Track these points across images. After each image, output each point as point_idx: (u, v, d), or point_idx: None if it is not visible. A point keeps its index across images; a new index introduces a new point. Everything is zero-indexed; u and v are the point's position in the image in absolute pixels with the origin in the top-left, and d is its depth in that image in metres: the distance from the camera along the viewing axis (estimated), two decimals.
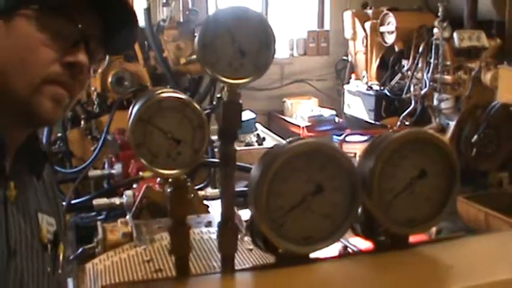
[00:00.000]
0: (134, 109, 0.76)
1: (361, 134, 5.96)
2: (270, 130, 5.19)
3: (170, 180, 0.79)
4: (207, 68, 0.76)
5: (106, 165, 3.01)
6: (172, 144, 0.75)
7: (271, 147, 0.85)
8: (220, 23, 0.76)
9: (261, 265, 0.90)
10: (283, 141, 0.85)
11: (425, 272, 0.87)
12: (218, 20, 0.76)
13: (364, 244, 1.49)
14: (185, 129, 0.76)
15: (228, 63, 0.76)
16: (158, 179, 2.14)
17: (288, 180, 0.82)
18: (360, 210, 0.90)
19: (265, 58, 0.78)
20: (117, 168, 2.72)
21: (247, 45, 0.77)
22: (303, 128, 6.22)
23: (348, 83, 6.84)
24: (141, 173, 2.37)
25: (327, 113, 6.50)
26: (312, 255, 0.88)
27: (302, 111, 6.58)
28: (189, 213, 0.83)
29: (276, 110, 6.92)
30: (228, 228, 0.84)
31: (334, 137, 6.03)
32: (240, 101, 0.79)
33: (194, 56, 2.70)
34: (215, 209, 2.12)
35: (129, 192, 2.15)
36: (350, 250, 1.99)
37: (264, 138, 4.69)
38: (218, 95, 0.82)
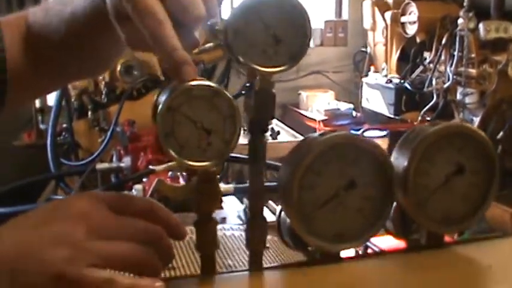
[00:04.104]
0: (162, 98, 0.76)
1: (380, 129, 5.95)
2: (284, 124, 5.18)
3: (199, 172, 0.80)
4: (239, 56, 0.76)
5: (114, 158, 3.01)
6: (202, 134, 0.75)
7: (303, 140, 0.86)
8: (252, 7, 0.76)
9: (290, 263, 0.91)
10: (315, 134, 0.85)
11: (465, 272, 0.87)
12: (249, 5, 0.76)
13: (386, 244, 1.49)
14: (215, 119, 0.76)
15: (261, 50, 0.76)
16: (170, 173, 2.15)
17: (321, 174, 0.82)
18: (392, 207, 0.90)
19: (301, 45, 0.78)
20: (126, 162, 2.72)
21: (281, 31, 0.77)
22: (319, 122, 6.21)
23: (367, 75, 6.82)
24: (151, 167, 2.37)
25: (344, 106, 6.49)
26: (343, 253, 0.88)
27: (318, 104, 6.58)
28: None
29: (291, 102, 6.91)
30: (257, 223, 0.84)
31: (352, 132, 6.02)
32: (274, 91, 0.79)
33: (208, 45, 2.71)
34: (228, 205, 2.13)
35: (138, 187, 2.16)
36: (371, 250, 1.99)
37: (278, 132, 4.67)
38: (247, 84, 0.82)
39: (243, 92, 0.84)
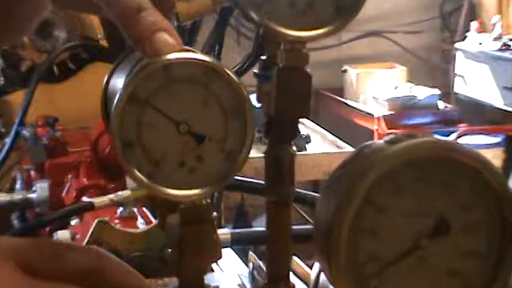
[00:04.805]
0: (118, 81, 0.78)
1: (488, 132, 5.95)
2: (317, 124, 5.18)
3: (182, 207, 0.82)
4: (250, 10, 0.78)
5: (18, 185, 3.03)
6: (189, 142, 0.77)
7: (357, 152, 0.88)
8: None
9: None
10: (376, 141, 0.86)
11: None
12: None
13: None
14: (212, 117, 0.78)
15: (288, 3, 0.79)
16: (120, 209, 2.17)
17: (388, 211, 0.84)
18: None
19: None
20: (40, 190, 2.73)
21: None
22: (378, 119, 6.22)
23: (464, 38, 6.81)
24: (86, 199, 2.39)
25: (424, 93, 6.50)
26: None
27: (377, 89, 6.58)
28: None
29: (330, 86, 6.91)
30: None
31: (438, 137, 6.03)
32: (308, 70, 0.81)
33: None
34: (223, 264, 2.14)
35: (64, 234, 2.18)
36: None
37: (308, 138, 4.67)
38: (263, 57, 0.84)
39: (255, 71, 0.86)
